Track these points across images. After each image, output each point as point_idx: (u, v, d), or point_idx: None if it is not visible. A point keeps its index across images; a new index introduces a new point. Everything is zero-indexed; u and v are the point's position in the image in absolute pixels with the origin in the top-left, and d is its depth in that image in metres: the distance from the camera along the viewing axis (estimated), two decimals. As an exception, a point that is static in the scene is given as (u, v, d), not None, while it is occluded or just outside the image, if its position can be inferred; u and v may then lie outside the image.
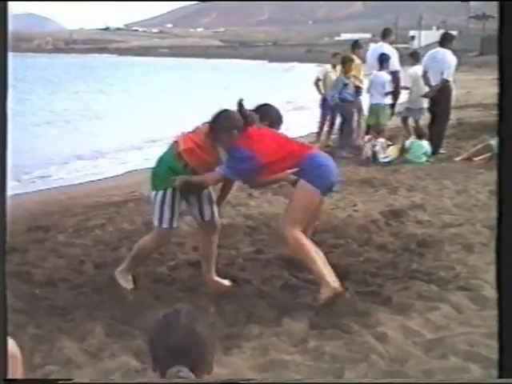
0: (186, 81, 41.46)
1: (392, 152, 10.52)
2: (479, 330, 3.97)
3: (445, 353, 3.71)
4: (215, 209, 4.98)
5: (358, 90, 11.55)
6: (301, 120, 17.48)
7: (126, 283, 4.85)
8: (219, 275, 5.05)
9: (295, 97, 25.85)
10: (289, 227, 4.45)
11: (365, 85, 11.62)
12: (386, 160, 10.38)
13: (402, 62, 12.20)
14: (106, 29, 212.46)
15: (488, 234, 5.84)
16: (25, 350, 3.85)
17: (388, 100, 11.36)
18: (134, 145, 15.41)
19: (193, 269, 5.29)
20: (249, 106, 4.60)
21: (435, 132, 10.76)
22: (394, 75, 11.32)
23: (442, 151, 10.83)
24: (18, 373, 2.48)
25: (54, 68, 56.55)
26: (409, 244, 5.86)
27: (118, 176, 11.64)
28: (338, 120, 11.85)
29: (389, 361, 3.68)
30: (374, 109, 11.34)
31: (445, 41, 10.87)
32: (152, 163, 4.85)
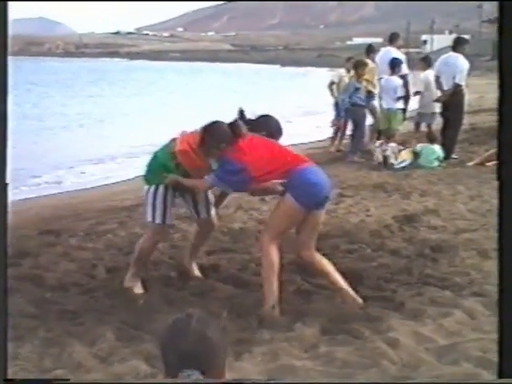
0: (197, 85, 41.55)
1: (407, 156, 10.46)
2: (492, 336, 3.93)
3: (457, 359, 3.68)
4: (211, 207, 4.99)
5: (370, 94, 11.50)
6: (317, 124, 17.51)
7: (136, 288, 4.86)
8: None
9: (307, 101, 25.84)
10: (266, 236, 4.50)
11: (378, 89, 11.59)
12: (402, 165, 10.33)
13: (413, 66, 12.15)
14: (117, 33, 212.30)
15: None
16: (35, 353, 3.89)
17: (400, 105, 11.32)
18: (146, 149, 15.40)
19: (204, 273, 5.27)
20: (249, 114, 4.64)
21: (448, 137, 10.72)
22: (403, 79, 11.29)
23: (454, 156, 10.77)
24: None
25: (66, 72, 56.76)
26: (422, 249, 5.82)
27: (129, 180, 11.62)
28: (351, 125, 11.82)
29: (401, 366, 3.65)
30: (386, 113, 11.32)
31: (457, 45, 10.82)
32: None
